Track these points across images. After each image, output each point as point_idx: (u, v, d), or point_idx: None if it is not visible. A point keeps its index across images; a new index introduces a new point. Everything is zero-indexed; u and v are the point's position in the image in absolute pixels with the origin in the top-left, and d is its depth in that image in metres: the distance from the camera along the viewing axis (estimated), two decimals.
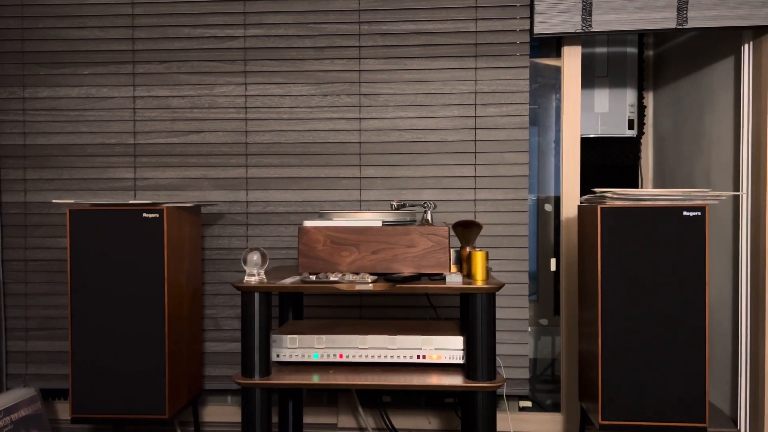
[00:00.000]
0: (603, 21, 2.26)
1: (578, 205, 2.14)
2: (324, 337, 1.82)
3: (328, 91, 2.41)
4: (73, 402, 2.01)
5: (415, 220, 1.94)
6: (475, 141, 2.38)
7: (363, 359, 1.81)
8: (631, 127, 2.79)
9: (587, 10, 2.25)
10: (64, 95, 2.47)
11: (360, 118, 2.41)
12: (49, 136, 2.47)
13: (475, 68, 2.38)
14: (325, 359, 1.81)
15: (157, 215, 1.98)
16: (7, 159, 2.48)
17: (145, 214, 1.98)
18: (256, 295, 1.72)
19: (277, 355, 1.82)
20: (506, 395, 2.42)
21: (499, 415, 2.40)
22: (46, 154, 2.47)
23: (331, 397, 2.54)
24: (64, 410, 2.53)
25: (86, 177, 2.47)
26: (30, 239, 2.47)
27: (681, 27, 2.22)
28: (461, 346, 1.78)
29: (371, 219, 1.83)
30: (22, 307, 2.47)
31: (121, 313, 1.99)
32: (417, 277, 1.74)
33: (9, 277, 2.48)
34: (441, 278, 1.76)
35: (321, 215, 1.91)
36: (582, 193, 2.46)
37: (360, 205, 2.42)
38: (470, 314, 1.68)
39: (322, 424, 2.50)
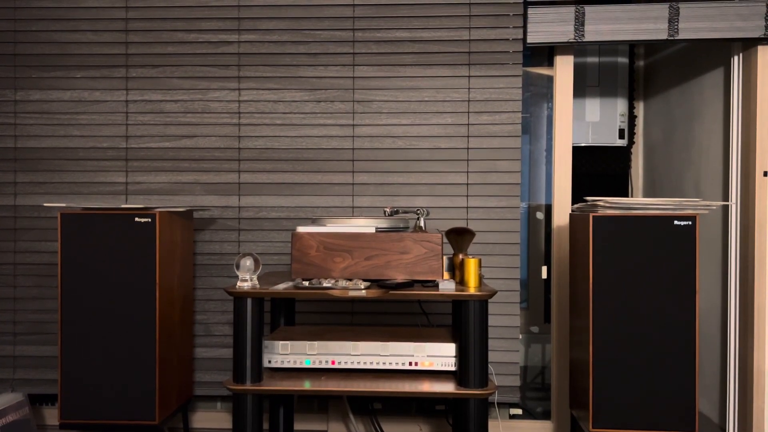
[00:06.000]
0: (595, 31, 2.28)
1: (570, 214, 2.16)
2: (316, 343, 1.81)
3: (321, 97, 2.42)
4: (62, 407, 1.99)
5: (408, 227, 1.94)
6: (467, 149, 2.39)
7: (355, 366, 1.81)
8: (621, 136, 2.81)
9: (580, 20, 2.28)
10: (55, 98, 2.46)
11: (353, 125, 2.41)
12: (40, 140, 2.46)
13: (469, 76, 2.39)
14: (317, 365, 1.81)
15: (149, 220, 1.97)
16: None
17: (137, 219, 1.97)
18: (249, 301, 1.71)
19: (269, 361, 1.81)
20: (497, 402, 2.42)
21: (490, 423, 2.40)
22: (37, 158, 2.46)
23: (322, 404, 2.53)
24: (52, 416, 2.50)
25: (77, 181, 2.45)
26: (20, 243, 2.45)
27: (672, 38, 2.25)
28: (453, 353, 1.78)
29: (365, 225, 1.83)
30: (10, 312, 2.45)
31: (112, 317, 1.98)
32: (410, 284, 1.74)
33: None
34: (434, 285, 1.77)
35: (314, 221, 1.91)
36: (572, 202, 2.48)
37: (353, 212, 2.42)
38: (463, 321, 1.69)
39: (313, 431, 2.50)
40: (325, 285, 1.72)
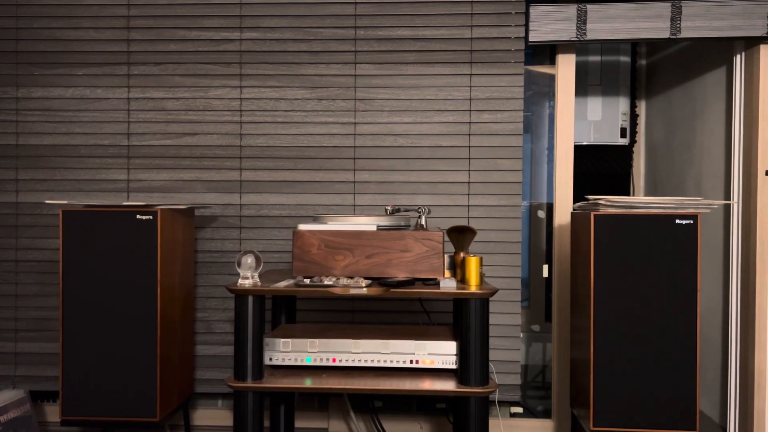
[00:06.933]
0: (597, 30, 2.28)
1: (571, 212, 2.16)
2: (317, 341, 1.82)
3: (323, 96, 2.42)
4: (63, 404, 1.99)
5: (409, 225, 1.94)
6: (469, 147, 2.39)
7: (356, 363, 1.81)
8: (623, 135, 2.81)
9: (582, 19, 2.27)
10: (57, 96, 2.46)
11: (355, 123, 2.41)
12: (42, 137, 2.46)
13: (470, 74, 2.39)
14: (318, 363, 1.81)
15: (151, 217, 1.97)
16: (0, 159, 2.47)
17: (138, 216, 1.98)
18: (250, 298, 1.71)
19: (270, 359, 1.81)
20: (498, 401, 2.42)
21: (491, 421, 2.40)
22: (38, 155, 2.46)
23: (322, 402, 2.53)
24: (53, 412, 2.51)
25: (79, 178, 2.46)
26: (21, 240, 2.46)
27: (674, 37, 2.25)
28: (454, 351, 1.78)
29: (366, 223, 1.84)
30: (12, 308, 2.46)
31: (113, 315, 1.98)
32: (411, 282, 1.74)
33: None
34: (435, 283, 1.77)
35: (316, 219, 1.91)
36: (573, 201, 2.48)
37: (354, 210, 2.42)
38: (464, 319, 1.69)
39: (313, 429, 2.50)
40: (326, 283, 1.72)
